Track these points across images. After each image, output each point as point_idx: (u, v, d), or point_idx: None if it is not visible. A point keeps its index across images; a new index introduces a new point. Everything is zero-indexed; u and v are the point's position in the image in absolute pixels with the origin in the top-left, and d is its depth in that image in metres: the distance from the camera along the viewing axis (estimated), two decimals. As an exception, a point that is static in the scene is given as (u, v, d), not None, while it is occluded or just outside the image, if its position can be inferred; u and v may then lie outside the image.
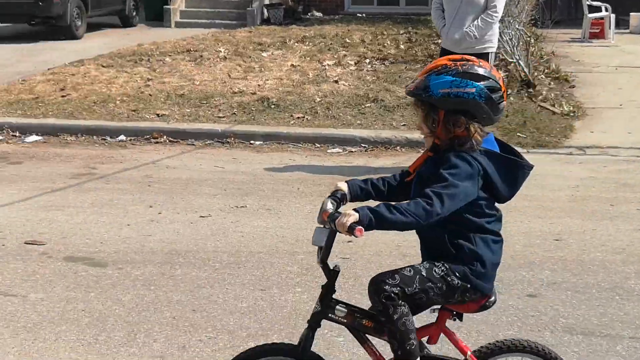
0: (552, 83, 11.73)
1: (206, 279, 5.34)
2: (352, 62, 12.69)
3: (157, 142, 9.36)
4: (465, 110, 2.92)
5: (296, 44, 14.33)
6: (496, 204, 3.10)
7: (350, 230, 2.72)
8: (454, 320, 3.21)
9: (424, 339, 3.20)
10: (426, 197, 2.80)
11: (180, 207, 6.89)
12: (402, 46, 14.00)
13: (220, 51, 13.67)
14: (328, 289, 3.09)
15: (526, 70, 11.21)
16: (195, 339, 4.49)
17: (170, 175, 8.00)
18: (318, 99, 10.58)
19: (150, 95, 10.92)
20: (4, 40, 16.57)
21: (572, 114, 10.29)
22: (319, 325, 3.14)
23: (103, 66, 12.68)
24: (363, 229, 2.74)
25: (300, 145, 9.21)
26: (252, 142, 9.31)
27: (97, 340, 4.48)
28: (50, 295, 5.06)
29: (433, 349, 3.26)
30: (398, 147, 9.14)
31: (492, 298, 3.17)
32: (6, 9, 16.37)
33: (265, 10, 19.27)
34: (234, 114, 10.09)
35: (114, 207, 6.91)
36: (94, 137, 9.54)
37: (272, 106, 10.34)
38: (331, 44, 14.22)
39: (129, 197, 7.21)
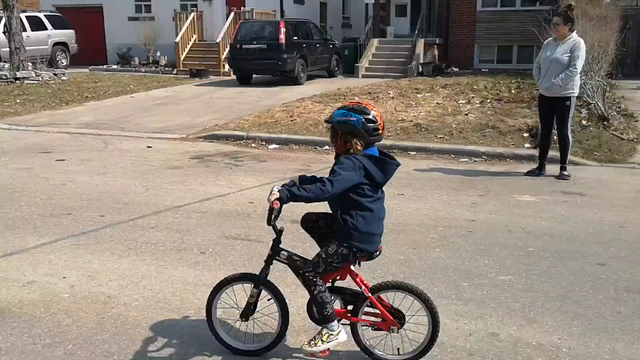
0: (621, 118, 10.82)
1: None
2: (478, 101, 12.31)
3: (348, 151, 9.47)
4: (351, 132, 3.06)
5: (440, 89, 14.08)
6: (380, 191, 3.15)
7: (270, 202, 2.92)
8: (359, 266, 3.27)
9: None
10: (322, 182, 2.98)
11: (362, 193, 6.96)
12: (513, 91, 13.42)
13: (390, 93, 13.67)
14: (276, 241, 3.23)
15: (602, 109, 10.42)
16: (371, 277, 4.51)
17: (356, 172, 8.08)
18: (454, 126, 10.35)
19: (344, 120, 11.10)
20: (258, 85, 17.39)
21: (635, 140, 9.49)
22: (271, 263, 3.26)
23: (316, 102, 13.01)
24: (278, 202, 2.93)
25: (441, 155, 9.06)
26: (408, 152, 9.25)
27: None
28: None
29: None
30: (507, 159, 8.79)
31: (377, 252, 3.19)
32: (261, 66, 17.22)
33: (420, 67, 19.06)
34: (398, 134, 10.07)
35: (320, 190, 7.06)
36: (309, 146, 9.77)
37: (423, 129, 10.22)
38: (463, 89, 13.86)
39: (330, 184, 7.34)
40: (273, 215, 2.99)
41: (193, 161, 8.57)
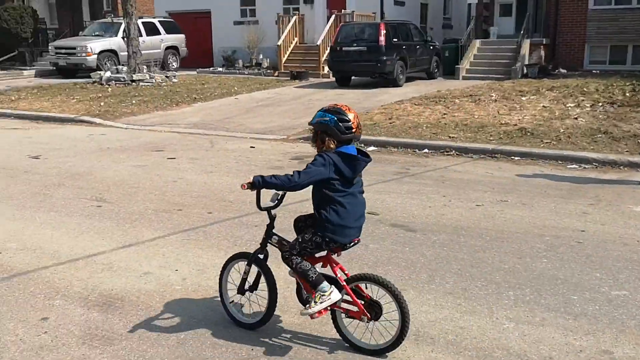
0: None
1: (480, 246, 5.25)
2: (588, 105, 11.65)
3: (448, 155, 9.32)
4: (325, 130, 3.34)
5: (546, 91, 13.47)
6: (354, 186, 3.40)
7: (242, 187, 3.35)
8: (338, 255, 3.52)
9: (319, 265, 3.55)
10: (292, 173, 3.28)
11: (463, 198, 6.82)
12: (627, 94, 12.58)
13: (492, 96, 13.27)
14: (269, 226, 3.64)
15: None
16: (473, 285, 4.46)
17: (456, 176, 7.94)
18: (562, 130, 9.88)
19: (445, 124, 10.91)
20: (357, 87, 17.48)
21: None
22: (266, 245, 3.67)
23: (415, 104, 12.88)
24: (246, 185, 3.34)
25: (547, 161, 8.68)
26: (512, 157, 8.95)
27: (410, 278, 4.60)
28: (370, 248, 5.26)
29: None
30: (621, 167, 8.27)
31: (352, 243, 3.42)
32: (360, 68, 17.28)
33: (524, 68, 18.33)
34: (500, 138, 9.77)
35: (420, 194, 7.00)
36: (408, 149, 9.70)
37: (528, 134, 9.84)
38: (572, 92, 13.17)
39: (430, 189, 7.26)
40: (260, 200, 3.51)
41: (293, 162, 8.76)
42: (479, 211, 6.29)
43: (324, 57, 20.09)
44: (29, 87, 18.10)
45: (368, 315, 3.40)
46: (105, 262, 4.98)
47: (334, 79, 18.50)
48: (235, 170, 8.26)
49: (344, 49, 17.25)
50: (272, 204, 3.52)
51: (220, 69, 23.51)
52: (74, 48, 21.26)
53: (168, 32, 23.49)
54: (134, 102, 14.92)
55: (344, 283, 3.44)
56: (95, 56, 21.01)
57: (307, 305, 3.38)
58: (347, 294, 3.42)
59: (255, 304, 3.85)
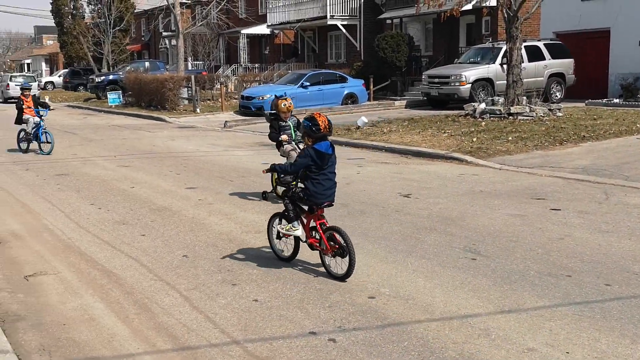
0: None
1: None
2: None
3: None
4: (305, 132, 6.24)
5: None
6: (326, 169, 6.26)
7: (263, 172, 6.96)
8: (321, 213, 6.44)
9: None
10: (289, 164, 6.68)
11: None
12: None
13: None
14: (285, 191, 6.71)
15: None
16: None
17: None
18: None
19: None
20: None
21: None
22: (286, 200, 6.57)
23: None
24: (265, 170, 6.70)
25: None
26: None
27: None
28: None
29: None
30: None
31: (326, 203, 6.33)
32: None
33: None
34: None
35: None
36: None
37: None
38: None
39: None
40: (277, 177, 7.47)
41: None
42: None
43: None
44: (400, 119, 20.09)
45: (332, 252, 6.24)
46: (482, 326, 5.09)
47: None
48: (639, 233, 7.61)
49: None
50: (289, 180, 6.63)
51: (617, 101, 22.23)
52: (448, 77, 22.82)
53: (553, 56, 23.34)
54: (510, 138, 15.15)
55: (321, 231, 6.32)
56: (469, 86, 22.15)
57: (284, 227, 6.52)
58: (321, 237, 6.33)
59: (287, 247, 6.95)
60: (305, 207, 6.50)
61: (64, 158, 14.90)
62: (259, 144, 17.46)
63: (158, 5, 44.07)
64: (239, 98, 27.43)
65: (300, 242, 6.72)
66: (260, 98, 25.26)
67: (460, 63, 24.15)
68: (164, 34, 48.54)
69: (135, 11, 49.53)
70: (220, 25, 40.95)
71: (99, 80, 37.32)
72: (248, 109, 25.65)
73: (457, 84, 22.47)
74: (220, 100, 28.35)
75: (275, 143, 9.92)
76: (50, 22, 56.01)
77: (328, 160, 6.18)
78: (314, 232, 6.47)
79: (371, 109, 25.06)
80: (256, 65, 39.33)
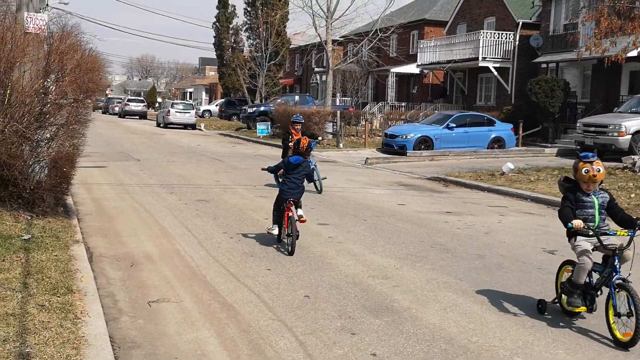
0: None
1: None
2: None
3: None
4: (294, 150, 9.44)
5: None
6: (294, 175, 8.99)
7: (261, 169, 10.55)
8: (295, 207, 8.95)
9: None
10: (277, 166, 9.50)
11: None
12: None
13: None
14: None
15: None
16: None
17: None
18: None
19: None
20: None
21: None
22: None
23: None
24: (264, 169, 9.92)
25: None
26: None
27: None
28: None
29: None
30: None
31: (289, 200, 8.84)
32: None
33: None
34: None
35: None
36: None
37: None
38: None
39: None
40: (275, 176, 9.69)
41: None
42: None
43: None
44: (549, 167, 18.89)
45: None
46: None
47: None
48: None
49: None
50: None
51: None
52: (605, 126, 21.29)
53: None
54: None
55: (296, 218, 8.84)
56: (629, 137, 20.53)
57: (268, 227, 9.21)
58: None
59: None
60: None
61: (208, 184, 15.32)
62: (397, 184, 17.06)
63: (312, 42, 45.31)
64: (383, 136, 27.26)
65: None
66: (404, 137, 24.90)
67: (620, 112, 22.48)
68: (316, 69, 49.74)
69: (290, 47, 51.30)
70: (370, 63, 41.29)
71: (251, 111, 38.72)
72: (391, 147, 25.37)
73: (615, 134, 20.88)
74: (364, 136, 28.32)
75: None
76: (213, 55, 59.29)
77: (292, 168, 8.96)
78: None
79: (518, 155, 23.89)
80: (403, 104, 39.13)
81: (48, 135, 9.12)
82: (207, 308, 6.51)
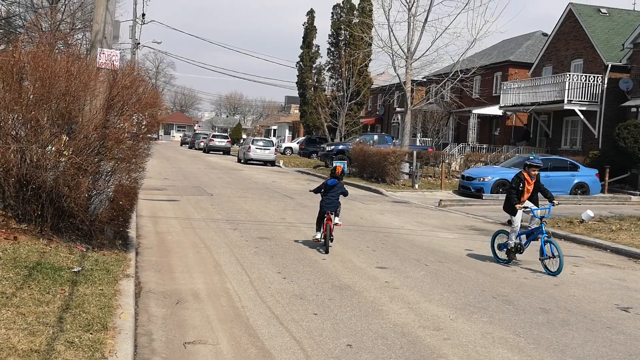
0: None
1: None
2: None
3: None
4: (332, 175, 12.56)
5: None
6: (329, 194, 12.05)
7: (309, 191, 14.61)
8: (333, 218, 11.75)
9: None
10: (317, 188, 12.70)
11: None
12: None
13: None
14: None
15: None
16: None
17: None
18: None
19: None
20: None
21: None
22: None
23: None
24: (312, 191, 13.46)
25: None
26: None
27: None
28: None
29: None
30: None
31: (328, 212, 11.78)
32: None
33: None
34: None
35: None
36: None
37: None
38: None
39: None
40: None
41: None
42: None
43: None
44: (635, 217, 17.72)
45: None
46: None
47: None
48: None
49: None
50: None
51: None
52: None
53: None
54: None
55: (334, 223, 11.90)
56: None
57: (314, 235, 12.08)
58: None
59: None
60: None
61: (273, 221, 15.20)
62: (469, 227, 16.41)
63: (393, 82, 45.16)
64: (460, 178, 26.55)
65: None
66: (481, 179, 24.16)
67: None
68: (397, 109, 49.47)
69: (372, 86, 51.34)
70: (451, 104, 40.67)
71: (329, 149, 38.76)
72: (467, 189, 24.64)
73: None
74: (441, 177, 27.69)
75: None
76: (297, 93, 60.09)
77: (329, 189, 11.86)
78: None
79: (602, 202, 22.66)
80: (484, 146, 38.16)
81: (108, 169, 9.22)
82: (243, 353, 6.24)
